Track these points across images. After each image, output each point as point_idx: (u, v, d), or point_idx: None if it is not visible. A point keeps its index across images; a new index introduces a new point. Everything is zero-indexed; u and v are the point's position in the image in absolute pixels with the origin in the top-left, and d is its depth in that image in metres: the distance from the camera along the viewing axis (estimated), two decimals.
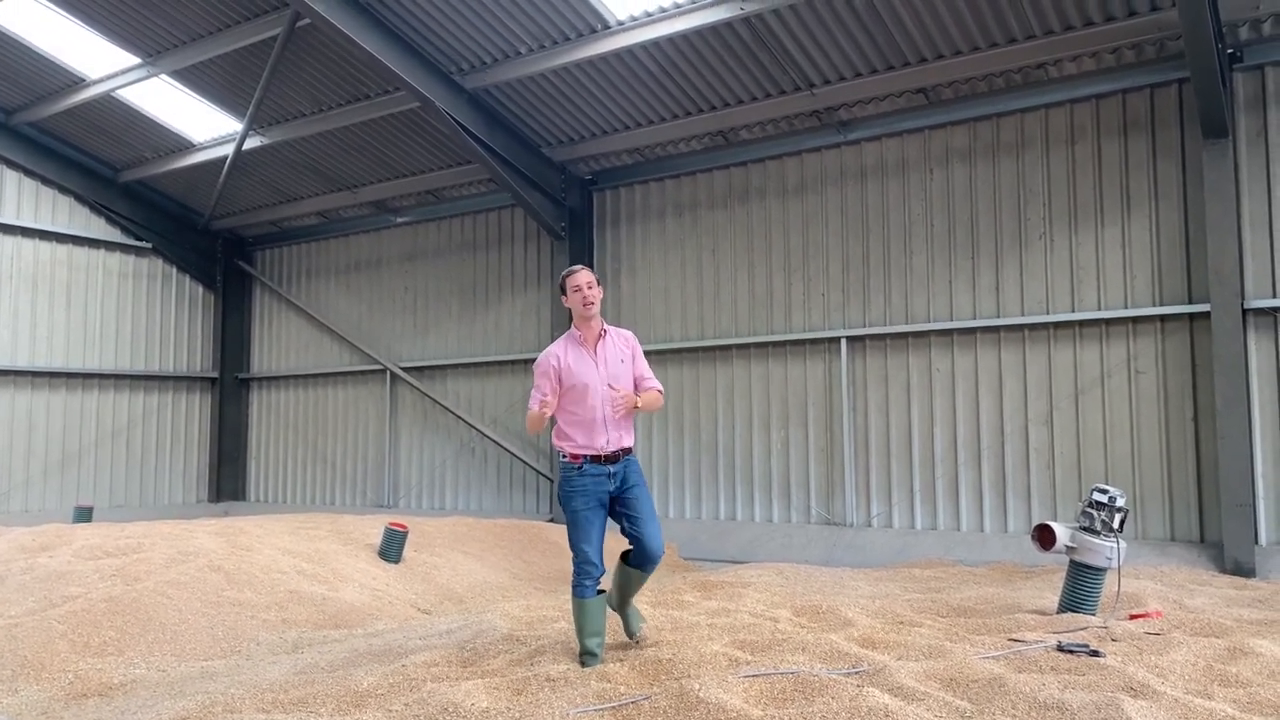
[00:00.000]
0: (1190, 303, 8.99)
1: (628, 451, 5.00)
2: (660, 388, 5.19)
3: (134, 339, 16.17)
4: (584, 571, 4.82)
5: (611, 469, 4.90)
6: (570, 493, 4.90)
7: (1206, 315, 8.79)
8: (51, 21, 11.99)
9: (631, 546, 5.00)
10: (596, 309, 5.01)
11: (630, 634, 5.18)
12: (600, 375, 4.92)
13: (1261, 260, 8.71)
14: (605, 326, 5.09)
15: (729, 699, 3.97)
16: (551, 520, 12.36)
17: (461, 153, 12.85)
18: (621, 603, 5.17)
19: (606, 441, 4.90)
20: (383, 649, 5.60)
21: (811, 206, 11.25)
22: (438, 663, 4.95)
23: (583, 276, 5.02)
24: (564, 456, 4.96)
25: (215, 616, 6.36)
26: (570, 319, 5.16)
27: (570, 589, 4.93)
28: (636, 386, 5.08)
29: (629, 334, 5.19)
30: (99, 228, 15.79)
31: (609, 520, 5.00)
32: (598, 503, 4.89)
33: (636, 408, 4.98)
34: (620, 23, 10.21)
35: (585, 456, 4.89)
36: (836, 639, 5.08)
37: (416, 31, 10.83)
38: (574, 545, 4.87)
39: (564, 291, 5.06)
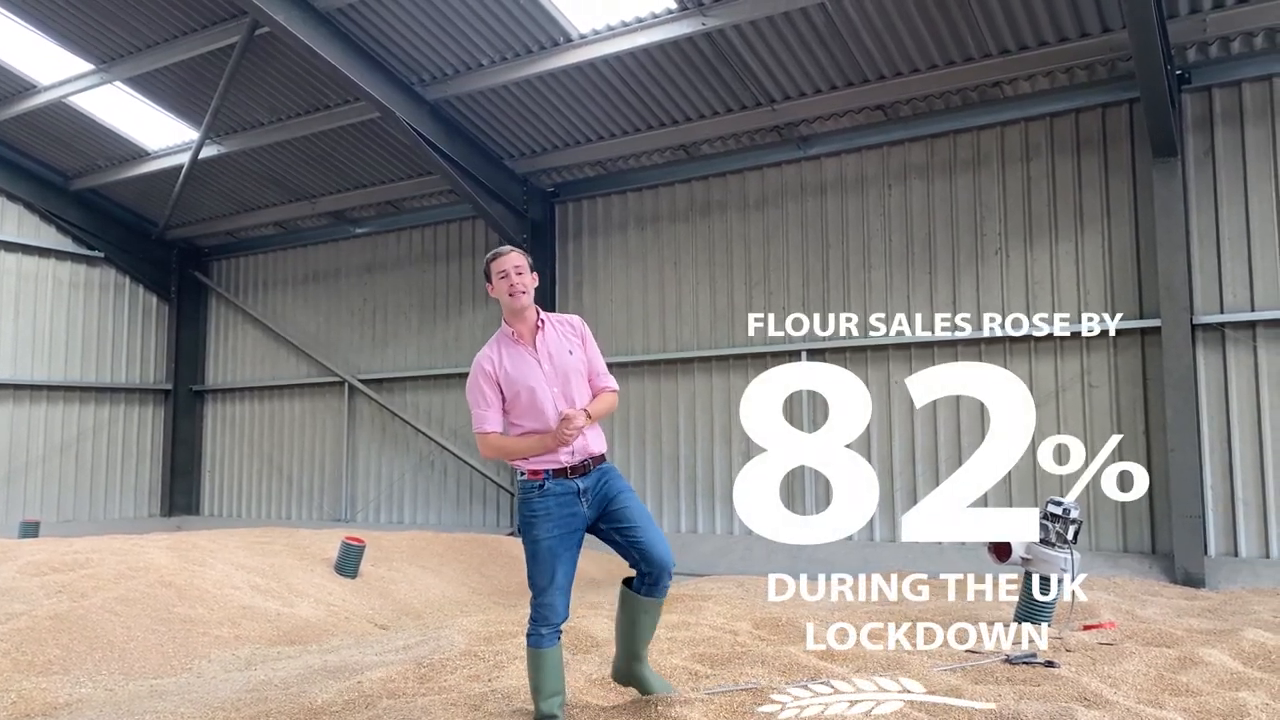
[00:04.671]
0: (1141, 318, 9.17)
1: (599, 460, 4.05)
2: (615, 386, 4.22)
3: (84, 350, 15.82)
4: (541, 616, 3.91)
5: (581, 484, 3.96)
6: (530, 518, 3.95)
7: (1157, 330, 8.96)
8: (0, 26, 11.75)
9: (633, 566, 4.04)
10: (528, 298, 4.05)
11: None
12: (546, 374, 4.01)
13: (1209, 276, 8.91)
14: (543, 315, 4.13)
15: (688, 713, 3.96)
16: (512, 534, 12.27)
17: (422, 164, 12.77)
18: (630, 658, 4.13)
19: (570, 452, 3.98)
20: (338, 665, 5.51)
21: (772, 221, 11.33)
22: (394, 679, 4.87)
23: (509, 259, 4.05)
24: (522, 474, 4.04)
25: (165, 633, 6.22)
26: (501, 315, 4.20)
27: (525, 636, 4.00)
28: (590, 383, 4.16)
29: (575, 318, 4.24)
30: (49, 236, 15.46)
31: (603, 544, 4.09)
32: (565, 530, 3.93)
33: (590, 421, 4.03)
34: (583, 36, 10.23)
35: (546, 471, 3.97)
36: (796, 651, 5.10)
37: (377, 42, 10.76)
38: (532, 583, 3.96)
39: (488, 279, 4.10)
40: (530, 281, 4.07)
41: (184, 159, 13.76)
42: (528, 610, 4.00)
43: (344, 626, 7.14)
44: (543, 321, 4.11)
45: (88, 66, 12.40)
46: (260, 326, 16.32)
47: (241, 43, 11.23)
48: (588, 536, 4.06)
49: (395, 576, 8.79)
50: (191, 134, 13.48)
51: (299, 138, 12.94)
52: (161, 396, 16.79)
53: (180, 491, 16.63)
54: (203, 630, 6.40)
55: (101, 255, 15.97)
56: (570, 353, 4.08)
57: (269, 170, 14.11)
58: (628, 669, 4.16)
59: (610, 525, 3.99)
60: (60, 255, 15.60)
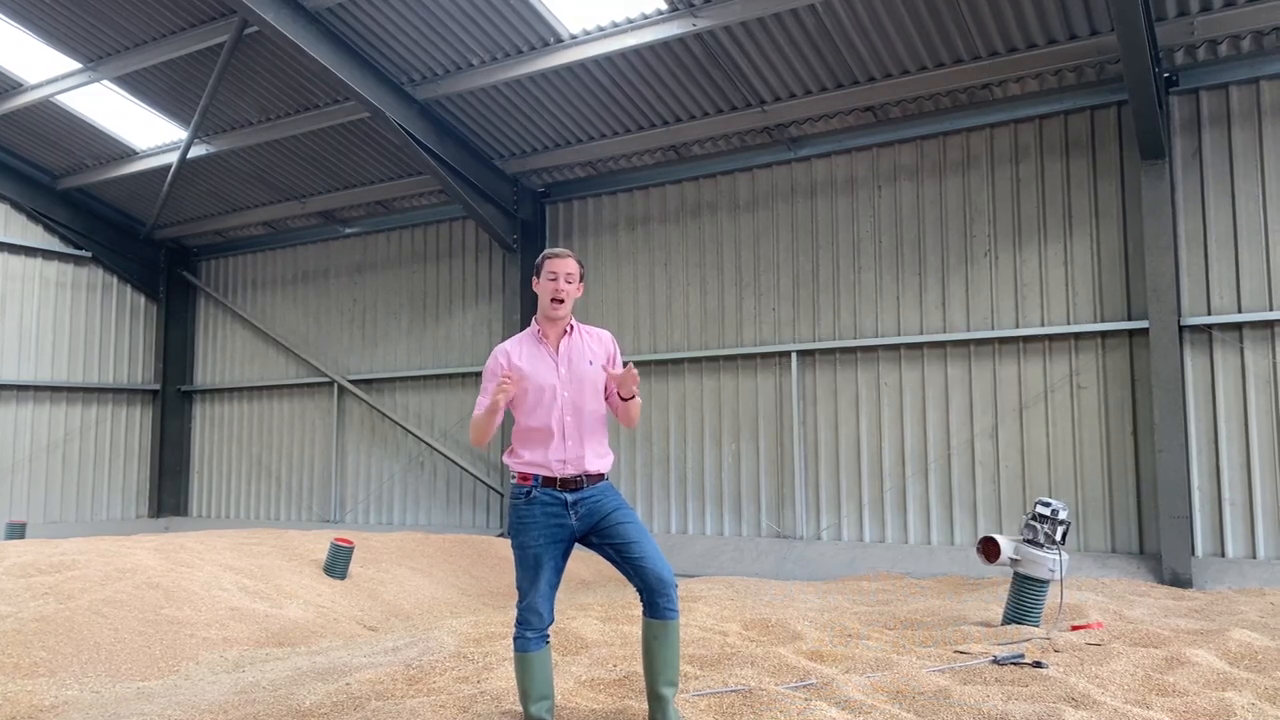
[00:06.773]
0: (1130, 319, 9.22)
1: (595, 479, 3.95)
2: (639, 400, 4.18)
3: (72, 350, 15.75)
4: (525, 620, 3.90)
5: (570, 498, 3.89)
6: (517, 524, 3.92)
7: (1145, 332, 9.02)
8: None
9: (632, 583, 3.91)
10: (567, 308, 4.04)
11: None
12: (560, 378, 3.95)
13: (1197, 278, 8.96)
14: (574, 323, 4.13)
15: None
16: (502, 535, 12.25)
17: (412, 164, 12.75)
18: (651, 698, 3.91)
19: (563, 461, 3.90)
20: (327, 667, 5.49)
21: (762, 222, 11.35)
22: (383, 681, 4.86)
23: (563, 264, 4.04)
24: (513, 477, 4.00)
25: (153, 635, 6.19)
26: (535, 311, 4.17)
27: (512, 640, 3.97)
28: (608, 397, 4.09)
29: (606, 334, 4.18)
30: (36, 236, 15.39)
31: (601, 555, 4.00)
32: (550, 539, 3.88)
33: (634, 395, 4.01)
34: (573, 36, 10.23)
35: (535, 478, 3.91)
36: (785, 652, 5.09)
37: (367, 41, 10.74)
38: (518, 587, 3.96)
39: (537, 274, 4.09)
40: (574, 292, 4.07)
41: (172, 158, 13.72)
42: (515, 613, 3.97)
43: (333, 628, 7.12)
44: (572, 328, 4.10)
45: (75, 65, 12.35)
46: (249, 327, 16.27)
47: (230, 42, 11.20)
48: None
49: (384, 578, 8.77)
50: (180, 133, 13.43)
51: (288, 137, 12.91)
52: (149, 397, 16.73)
53: (168, 492, 16.57)
54: (190, 632, 6.37)
55: (89, 255, 15.90)
56: (590, 363, 4.04)
57: (258, 170, 14.07)
58: (649, 710, 3.93)
59: (604, 541, 3.92)
60: (48, 255, 15.53)
